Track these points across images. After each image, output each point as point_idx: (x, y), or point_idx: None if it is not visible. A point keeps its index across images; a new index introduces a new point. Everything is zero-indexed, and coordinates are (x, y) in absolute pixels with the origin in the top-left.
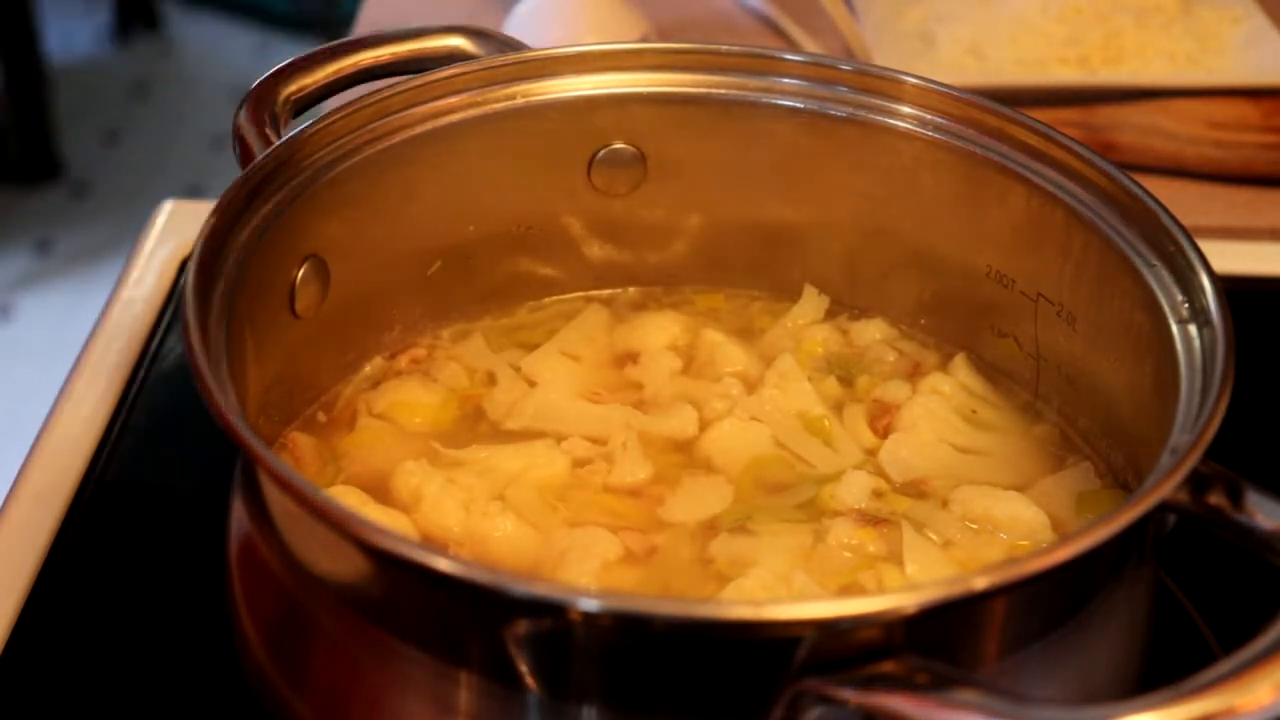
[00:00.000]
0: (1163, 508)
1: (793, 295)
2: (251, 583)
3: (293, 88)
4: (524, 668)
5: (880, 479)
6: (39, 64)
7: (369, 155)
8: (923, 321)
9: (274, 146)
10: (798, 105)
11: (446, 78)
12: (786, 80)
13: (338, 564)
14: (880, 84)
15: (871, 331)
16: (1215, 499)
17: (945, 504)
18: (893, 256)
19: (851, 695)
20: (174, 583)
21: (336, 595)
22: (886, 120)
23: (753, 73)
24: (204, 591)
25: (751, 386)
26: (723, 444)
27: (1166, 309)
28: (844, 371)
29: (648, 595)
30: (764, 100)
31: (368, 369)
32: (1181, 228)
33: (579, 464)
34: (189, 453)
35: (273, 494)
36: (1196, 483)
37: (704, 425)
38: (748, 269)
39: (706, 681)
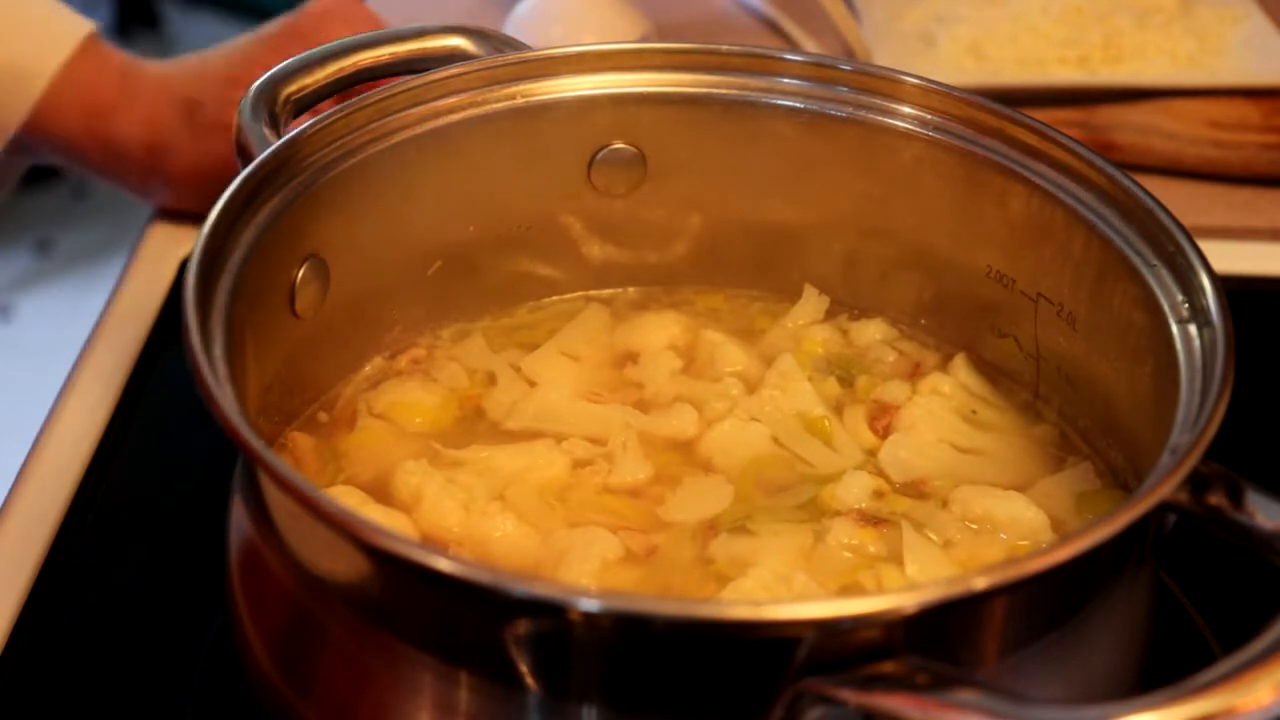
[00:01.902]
0: (1163, 508)
1: (793, 295)
2: (252, 583)
3: (293, 88)
4: (524, 668)
5: (880, 479)
6: None
7: (369, 155)
8: (923, 321)
9: (274, 146)
10: (798, 105)
11: (446, 78)
12: (786, 80)
13: (338, 565)
14: (880, 84)
15: (871, 331)
16: (1215, 499)
17: (945, 504)
18: (893, 256)
19: (851, 695)
20: (174, 584)
21: (337, 596)
22: (886, 120)
23: (753, 73)
24: (204, 592)
25: (751, 387)
26: (723, 444)
27: (1166, 309)
28: (844, 372)
29: (648, 595)
30: (764, 100)
31: (368, 369)
32: (1181, 228)
33: (579, 464)
34: (189, 453)
35: (273, 494)
36: (1196, 483)
37: (704, 425)
38: (748, 269)
39: (706, 681)
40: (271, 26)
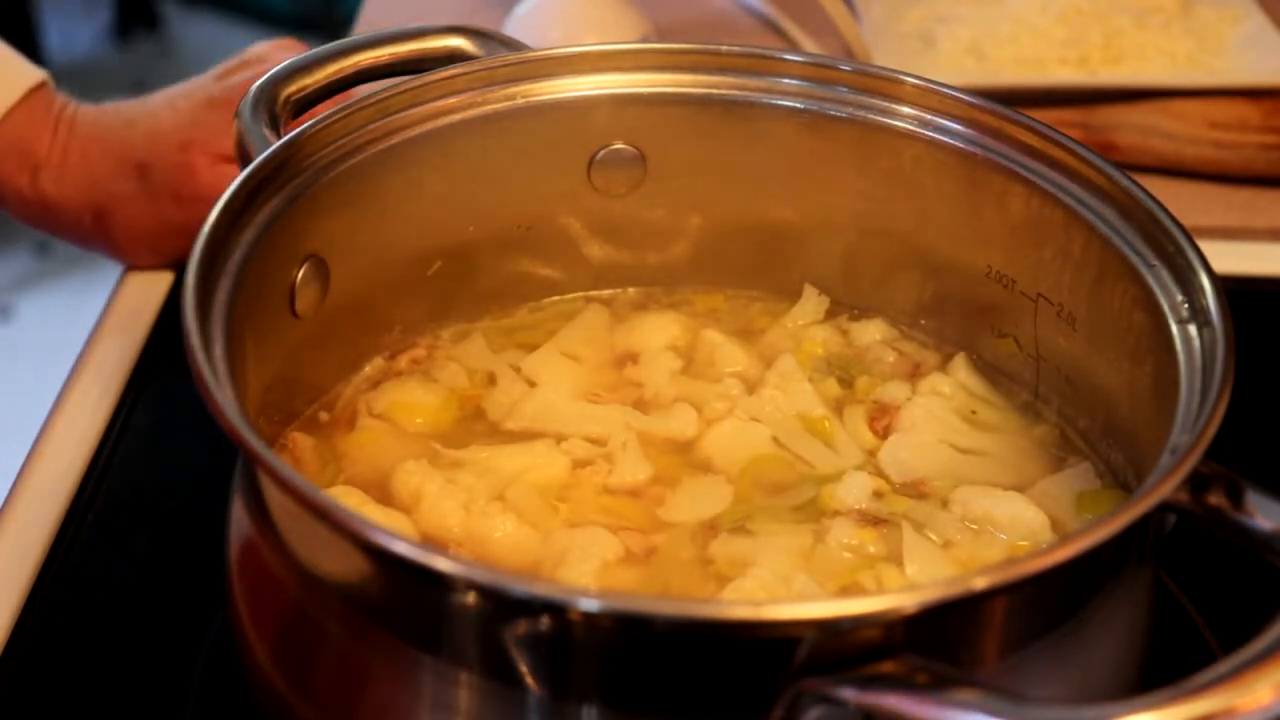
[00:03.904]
0: (1163, 508)
1: (793, 295)
2: (252, 583)
3: (293, 88)
4: (524, 668)
5: (880, 479)
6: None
7: (369, 155)
8: (923, 322)
9: (274, 146)
10: (798, 105)
11: (446, 78)
12: (786, 80)
13: (338, 564)
14: (880, 84)
15: (871, 332)
16: (1215, 499)
17: (945, 504)
18: (893, 256)
19: (851, 695)
20: (174, 584)
21: (337, 596)
22: (886, 120)
23: (753, 73)
24: (204, 592)
25: (752, 387)
26: (723, 444)
27: (1166, 309)
28: (844, 372)
29: (648, 595)
30: (764, 100)
31: (368, 369)
32: (1181, 228)
33: (579, 464)
34: (189, 453)
35: (273, 494)
36: (1196, 483)
37: (704, 425)
38: (748, 269)
39: (706, 681)
40: (210, 86)
